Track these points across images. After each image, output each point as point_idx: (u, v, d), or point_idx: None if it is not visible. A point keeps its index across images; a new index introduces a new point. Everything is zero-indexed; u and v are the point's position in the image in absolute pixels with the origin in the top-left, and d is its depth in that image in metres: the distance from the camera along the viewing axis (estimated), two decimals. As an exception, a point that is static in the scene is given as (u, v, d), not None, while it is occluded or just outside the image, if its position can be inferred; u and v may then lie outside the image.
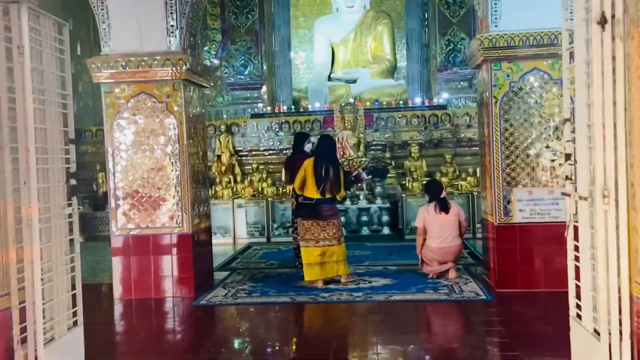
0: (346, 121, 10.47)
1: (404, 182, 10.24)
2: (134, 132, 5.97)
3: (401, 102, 11.74)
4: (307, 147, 7.56)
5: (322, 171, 6.08)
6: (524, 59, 5.54)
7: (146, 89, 5.96)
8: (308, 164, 6.21)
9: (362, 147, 10.57)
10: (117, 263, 6.04)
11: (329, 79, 13.66)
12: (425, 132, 10.92)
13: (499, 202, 5.67)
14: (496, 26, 5.56)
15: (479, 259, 7.54)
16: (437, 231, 6.37)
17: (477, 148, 10.97)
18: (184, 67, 5.90)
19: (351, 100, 10.66)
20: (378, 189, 9.67)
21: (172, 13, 5.87)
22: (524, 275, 5.64)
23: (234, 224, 9.77)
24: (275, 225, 9.72)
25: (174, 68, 5.89)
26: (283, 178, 10.88)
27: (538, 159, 5.60)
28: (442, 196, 6.48)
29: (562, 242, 5.70)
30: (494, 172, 5.68)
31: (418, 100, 11.65)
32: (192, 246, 6.00)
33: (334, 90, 13.04)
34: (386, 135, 10.95)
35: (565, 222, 5.64)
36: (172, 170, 5.95)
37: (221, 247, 9.13)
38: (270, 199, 9.82)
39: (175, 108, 5.95)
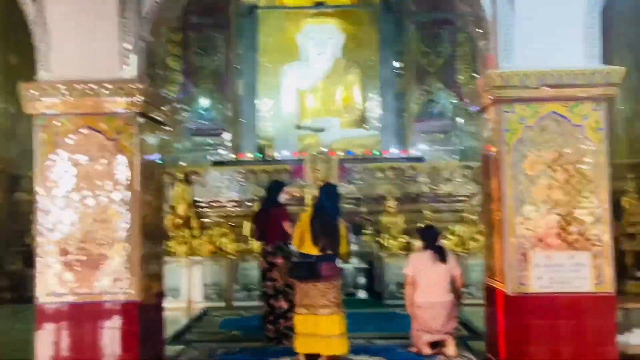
0: (318, 172, 9.60)
1: (379, 239, 9.33)
2: (74, 175, 4.88)
3: (376, 152, 10.99)
4: (282, 198, 6.62)
5: (319, 224, 5.14)
6: (540, 100, 4.80)
7: (92, 123, 4.92)
8: (305, 216, 5.30)
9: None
10: (43, 338, 4.81)
11: (297, 127, 12.89)
12: (403, 185, 10.13)
13: (512, 268, 4.79)
14: (507, 62, 4.83)
15: (472, 330, 6.61)
16: (426, 283, 5.56)
17: (459, 204, 10.28)
18: (140, 98, 4.92)
19: (323, 149, 9.82)
20: (352, 247, 8.69)
21: (128, 34, 4.93)
22: (544, 357, 4.71)
23: (189, 286, 8.57)
24: (237, 288, 8.57)
25: (127, 99, 4.89)
26: (245, 231, 9.82)
27: (558, 216, 4.78)
28: (438, 244, 5.70)
29: (588, 316, 4.87)
30: (505, 232, 4.82)
31: (394, 152, 10.90)
32: (139, 317, 4.85)
33: (302, 139, 12.27)
34: (360, 188, 10.10)
35: (589, 293, 4.83)
36: (120, 222, 4.86)
37: (172, 312, 7.93)
38: (232, 257, 8.71)
39: (128, 147, 4.92)
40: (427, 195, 10.07)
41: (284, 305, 6.15)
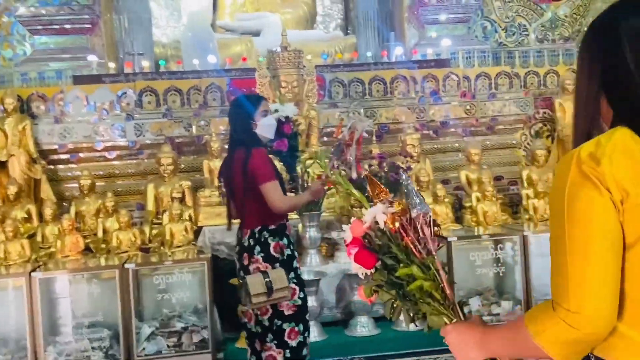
0: (284, 85, 5.11)
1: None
2: None
3: (369, 54, 6.65)
4: (265, 126, 3.09)
5: None
6: None
7: None
8: None
9: (313, 137, 5.30)
10: None
11: (215, 29, 8.20)
12: (419, 107, 5.91)
13: None
14: None
15: None
16: None
17: (508, 135, 6.34)
18: None
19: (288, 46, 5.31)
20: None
21: None
22: None
23: (34, 331, 3.85)
24: (147, 331, 3.96)
25: None
26: (149, 205, 5.22)
27: None
28: None
29: None
30: None
31: (399, 54, 6.54)
32: None
33: (226, 46, 7.62)
34: (350, 114, 5.75)
35: None
36: None
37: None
38: (130, 262, 4.03)
39: None
40: (463, 121, 5.96)
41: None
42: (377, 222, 1.36)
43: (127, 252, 4.37)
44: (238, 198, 3.00)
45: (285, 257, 3.02)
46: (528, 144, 6.22)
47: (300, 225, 4.33)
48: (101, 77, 5.81)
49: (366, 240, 1.36)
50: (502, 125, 6.10)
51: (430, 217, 1.33)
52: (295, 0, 8.63)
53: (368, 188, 1.41)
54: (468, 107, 5.99)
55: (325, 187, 3.94)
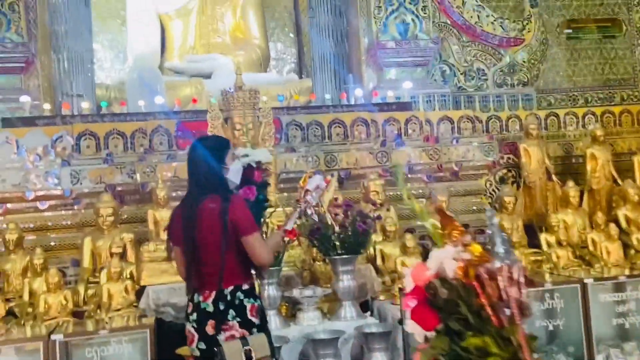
0: (238, 127, 4.70)
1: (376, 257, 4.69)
2: None
3: (327, 96, 6.36)
4: (235, 171, 2.72)
5: None
6: None
7: None
8: None
9: (271, 182, 4.88)
10: None
11: (163, 71, 7.80)
12: (381, 152, 5.61)
13: None
14: None
15: None
16: None
17: (473, 181, 6.10)
18: None
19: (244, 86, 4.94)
20: (345, 281, 3.95)
21: None
22: None
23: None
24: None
25: None
26: (86, 261, 4.64)
27: None
28: None
29: None
30: None
31: (359, 96, 6.27)
32: None
33: (174, 88, 7.26)
34: (309, 158, 5.39)
35: None
36: None
37: None
38: (59, 336, 3.44)
39: None
40: (425, 166, 5.67)
41: None
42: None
43: (56, 318, 3.78)
44: (210, 254, 2.50)
45: (261, 322, 2.56)
46: (493, 190, 6.00)
47: (256, 283, 3.86)
48: (34, 119, 5.27)
49: (431, 292, 0.97)
50: (467, 170, 5.86)
51: (520, 271, 0.95)
52: (247, 43, 8.37)
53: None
54: (432, 152, 5.72)
55: (287, 239, 3.53)
